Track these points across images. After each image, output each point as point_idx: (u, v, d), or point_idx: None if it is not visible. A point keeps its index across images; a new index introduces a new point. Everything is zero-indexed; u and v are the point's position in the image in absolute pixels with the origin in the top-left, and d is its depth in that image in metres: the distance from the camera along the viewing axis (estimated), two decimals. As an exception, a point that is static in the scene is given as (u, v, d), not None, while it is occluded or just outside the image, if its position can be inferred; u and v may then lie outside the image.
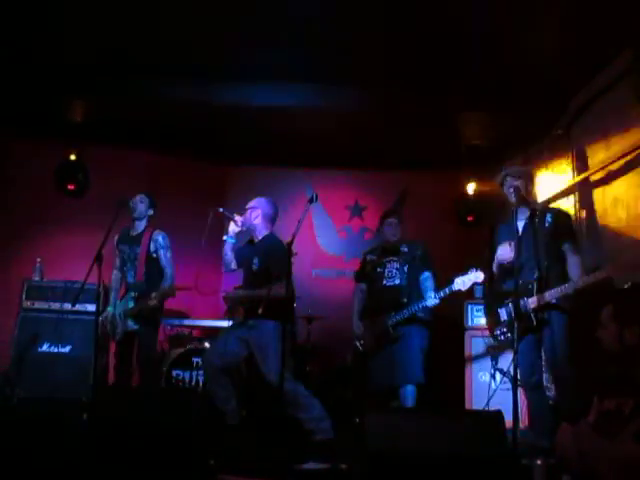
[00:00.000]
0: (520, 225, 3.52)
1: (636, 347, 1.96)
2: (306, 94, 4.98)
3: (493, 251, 3.67)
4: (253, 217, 4.13)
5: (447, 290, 4.14)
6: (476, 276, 4.02)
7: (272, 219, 4.20)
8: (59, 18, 3.98)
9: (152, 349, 4.43)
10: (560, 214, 3.62)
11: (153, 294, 4.20)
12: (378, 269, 4.53)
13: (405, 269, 4.44)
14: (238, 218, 4.14)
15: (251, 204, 4.19)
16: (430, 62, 4.37)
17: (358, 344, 4.52)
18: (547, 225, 3.47)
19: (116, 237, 4.45)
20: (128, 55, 4.46)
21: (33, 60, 4.52)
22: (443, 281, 4.27)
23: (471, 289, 4.41)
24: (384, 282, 4.47)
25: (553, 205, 4.77)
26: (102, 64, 4.58)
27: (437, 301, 4.17)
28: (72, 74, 4.66)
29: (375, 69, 4.56)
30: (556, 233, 3.45)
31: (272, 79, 4.74)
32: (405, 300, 4.31)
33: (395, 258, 4.50)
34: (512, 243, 3.37)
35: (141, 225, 4.46)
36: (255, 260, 4.04)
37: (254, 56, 4.41)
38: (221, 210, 4.15)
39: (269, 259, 3.95)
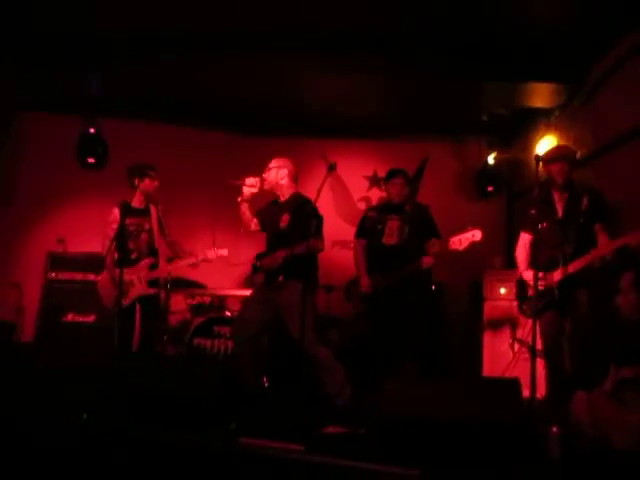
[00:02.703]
0: (558, 205, 3.59)
1: (655, 315, 1.96)
2: (322, 60, 4.92)
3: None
4: (280, 176, 4.10)
5: (441, 249, 4.02)
6: (473, 234, 3.92)
7: (296, 179, 4.17)
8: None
9: (162, 315, 4.58)
10: (596, 195, 3.58)
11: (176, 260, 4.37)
12: (378, 226, 4.41)
13: (406, 229, 4.32)
14: (251, 180, 4.10)
15: (276, 163, 4.15)
16: (450, 28, 4.28)
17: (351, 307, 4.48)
18: (583, 208, 3.49)
19: (115, 211, 4.46)
20: (144, 27, 4.45)
21: (53, 32, 4.53)
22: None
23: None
24: (383, 240, 4.37)
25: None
26: (121, 36, 4.58)
27: (431, 261, 4.10)
28: (92, 46, 4.67)
29: (394, 34, 4.48)
30: (591, 214, 3.46)
31: (288, 45, 4.68)
32: (402, 261, 4.19)
33: (397, 217, 4.39)
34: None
35: (144, 199, 4.53)
36: (284, 218, 4.01)
37: (270, 22, 4.35)
38: (230, 181, 4.14)
39: (303, 216, 3.89)
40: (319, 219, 3.75)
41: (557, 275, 3.47)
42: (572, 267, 3.40)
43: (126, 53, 4.77)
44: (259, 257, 4.73)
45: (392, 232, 4.35)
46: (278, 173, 4.11)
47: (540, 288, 3.38)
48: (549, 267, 3.49)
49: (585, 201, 3.49)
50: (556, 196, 3.62)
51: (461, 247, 3.95)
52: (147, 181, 4.47)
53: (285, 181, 4.11)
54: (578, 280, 3.42)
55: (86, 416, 2.86)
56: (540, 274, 3.41)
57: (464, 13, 4.09)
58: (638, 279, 1.99)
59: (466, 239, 3.93)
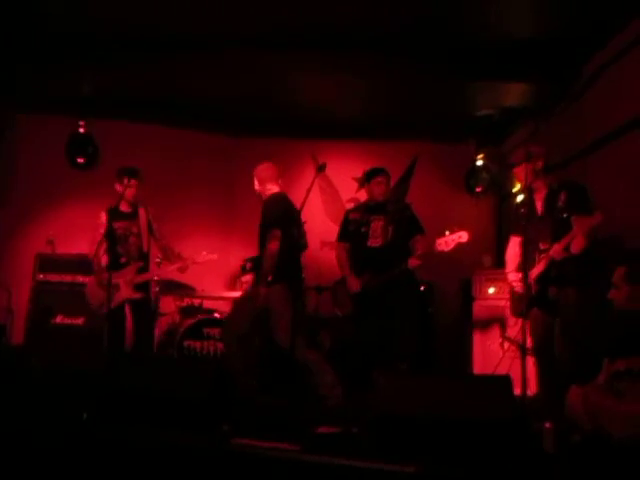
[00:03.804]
0: (538, 204, 3.64)
1: (647, 307, 1.99)
2: (312, 61, 4.93)
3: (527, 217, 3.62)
4: (256, 185, 4.20)
5: (428, 251, 4.07)
6: (460, 236, 3.95)
7: (270, 178, 4.17)
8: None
9: (152, 318, 4.60)
10: (574, 189, 3.61)
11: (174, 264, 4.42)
12: (362, 228, 4.40)
13: (390, 229, 4.33)
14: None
15: (253, 173, 4.23)
16: (437, 29, 4.30)
17: (338, 310, 4.47)
18: (561, 203, 3.52)
19: (103, 215, 4.44)
20: (131, 27, 4.43)
21: (43, 31, 4.49)
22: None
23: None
24: (368, 242, 4.36)
25: (564, 174, 4.77)
26: (112, 36, 4.55)
27: (419, 262, 4.11)
28: (82, 46, 4.64)
29: (382, 35, 4.49)
30: (569, 209, 3.49)
31: (277, 45, 4.68)
32: (388, 262, 4.19)
33: (380, 217, 4.39)
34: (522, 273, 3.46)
35: (131, 201, 4.50)
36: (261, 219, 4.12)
37: (257, 22, 4.34)
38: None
39: (264, 217, 4.00)
40: (279, 218, 3.77)
41: (534, 272, 3.53)
42: (542, 263, 3.49)
43: (115, 54, 4.75)
44: (249, 260, 4.74)
45: (376, 234, 4.36)
46: (255, 182, 4.21)
47: (521, 289, 3.46)
48: (529, 265, 3.52)
49: (563, 197, 3.53)
50: (536, 196, 3.68)
51: (447, 248, 3.99)
52: (118, 186, 4.43)
53: (258, 187, 4.18)
54: (562, 276, 3.48)
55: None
56: (521, 275, 3.49)
57: (451, 14, 4.11)
58: (629, 273, 2.02)
59: (452, 240, 3.97)
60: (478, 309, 5.23)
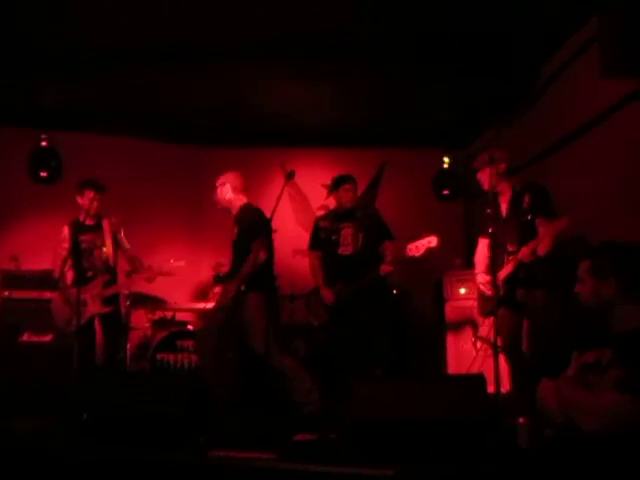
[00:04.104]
0: (503, 206, 3.74)
1: (611, 300, 2.04)
2: (278, 70, 4.94)
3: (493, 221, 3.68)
4: (224, 193, 4.15)
5: (399, 257, 4.11)
6: (429, 241, 4.01)
7: (243, 189, 4.18)
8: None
9: (123, 332, 4.53)
10: (538, 191, 3.70)
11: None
12: (333, 236, 4.42)
13: (360, 236, 4.35)
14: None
15: (219, 181, 4.19)
16: (400, 33, 4.34)
17: (313, 319, 4.47)
18: (525, 205, 3.61)
19: (65, 229, 4.38)
20: (95, 39, 4.38)
21: (2, 43, 4.41)
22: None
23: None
24: (339, 251, 4.39)
25: (526, 178, 4.87)
26: (71, 49, 4.49)
27: (390, 269, 4.15)
28: (42, 59, 4.57)
29: (347, 44, 4.53)
30: (534, 210, 3.57)
31: (247, 57, 4.69)
32: (360, 270, 4.22)
33: (349, 224, 4.42)
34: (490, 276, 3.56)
35: (94, 212, 4.42)
36: (234, 231, 4.07)
37: (223, 30, 4.33)
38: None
39: (245, 227, 3.98)
40: (259, 229, 3.76)
41: (502, 273, 3.61)
42: (510, 265, 3.57)
43: (80, 65, 4.69)
44: (218, 275, 4.70)
45: (347, 242, 4.39)
46: (222, 190, 4.15)
47: (489, 290, 3.53)
48: (497, 266, 3.60)
49: (527, 198, 3.62)
50: (501, 198, 3.78)
51: (418, 253, 4.04)
52: (79, 199, 4.36)
53: (230, 195, 4.14)
54: (530, 278, 3.56)
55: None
56: (489, 277, 3.59)
57: (414, 20, 4.17)
58: (593, 267, 2.08)
59: (422, 245, 4.02)
60: (450, 310, 5.29)
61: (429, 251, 4.03)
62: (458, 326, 5.17)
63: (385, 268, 4.15)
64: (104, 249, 4.38)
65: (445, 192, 6.59)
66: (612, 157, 3.87)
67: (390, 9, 4.04)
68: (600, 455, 1.81)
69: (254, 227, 3.88)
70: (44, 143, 5.64)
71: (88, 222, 4.40)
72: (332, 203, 6.66)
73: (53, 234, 4.64)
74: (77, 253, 4.25)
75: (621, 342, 1.96)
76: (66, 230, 4.36)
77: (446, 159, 6.35)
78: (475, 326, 4.89)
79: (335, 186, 4.58)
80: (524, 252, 3.47)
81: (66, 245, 4.27)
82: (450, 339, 5.21)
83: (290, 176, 3.89)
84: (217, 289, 5.17)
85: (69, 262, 4.26)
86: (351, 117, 5.95)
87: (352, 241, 4.37)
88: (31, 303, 4.99)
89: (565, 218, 3.28)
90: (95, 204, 4.34)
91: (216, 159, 6.35)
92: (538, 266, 3.50)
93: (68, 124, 5.63)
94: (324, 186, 6.75)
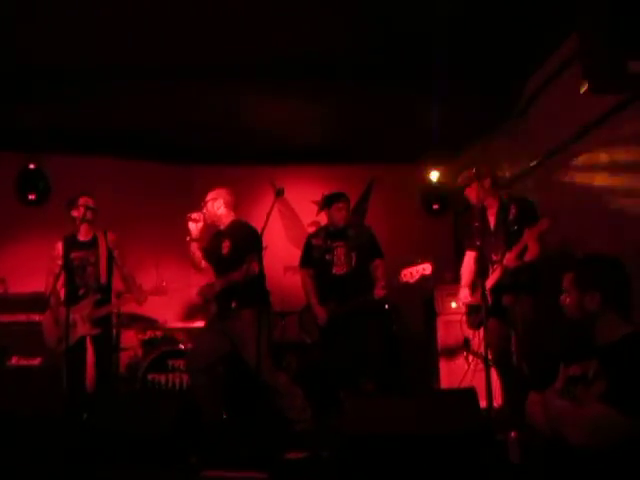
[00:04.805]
0: (490, 219, 3.79)
1: (595, 312, 2.06)
2: (267, 89, 4.98)
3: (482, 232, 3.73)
4: (216, 207, 4.13)
5: (393, 282, 4.15)
6: (424, 268, 4.04)
7: (234, 206, 4.20)
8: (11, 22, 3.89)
9: (113, 352, 4.47)
10: (524, 203, 3.77)
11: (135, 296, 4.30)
12: (327, 256, 4.41)
13: (353, 256, 4.35)
14: (195, 215, 4.11)
15: (210, 196, 4.18)
16: (383, 50, 4.37)
17: (306, 337, 4.47)
18: (511, 216, 3.67)
19: (59, 245, 4.33)
20: (82, 60, 4.39)
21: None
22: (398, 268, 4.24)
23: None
24: (333, 270, 4.38)
25: (512, 191, 4.92)
26: (62, 68, 4.48)
27: (384, 292, 4.16)
28: (26, 80, 4.56)
29: (331, 61, 4.57)
30: (520, 221, 3.61)
31: (235, 76, 4.72)
32: (353, 290, 4.24)
33: (342, 243, 4.42)
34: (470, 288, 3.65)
35: (89, 229, 4.39)
36: (225, 244, 4.04)
37: (210, 52, 4.37)
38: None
39: (240, 240, 3.95)
40: (255, 243, 3.75)
41: (489, 282, 3.63)
42: (496, 273, 3.61)
43: (62, 87, 4.68)
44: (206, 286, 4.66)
45: (341, 261, 4.39)
46: (214, 205, 4.13)
47: (476, 301, 3.55)
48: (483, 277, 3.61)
49: (513, 210, 3.68)
50: (489, 211, 3.83)
51: (412, 280, 4.08)
52: (74, 212, 4.31)
53: (222, 210, 4.14)
54: (516, 284, 3.57)
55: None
56: (469, 295, 3.66)
57: (397, 36, 4.21)
58: (577, 278, 2.10)
59: (417, 272, 4.06)
60: (442, 324, 5.28)
61: (423, 278, 4.09)
62: (450, 340, 5.17)
63: (379, 292, 4.16)
64: (96, 266, 4.30)
65: (435, 207, 6.63)
66: (595, 171, 3.91)
67: (376, 29, 4.09)
68: (587, 468, 1.81)
69: (248, 241, 3.87)
70: (32, 165, 5.63)
71: (82, 238, 4.36)
72: (323, 219, 6.71)
73: (41, 256, 4.61)
74: (69, 270, 4.16)
75: (605, 354, 1.97)
76: (59, 246, 4.32)
77: (435, 174, 6.40)
78: (467, 340, 4.89)
79: (327, 204, 4.59)
80: (509, 257, 3.50)
81: (59, 262, 4.18)
82: (442, 353, 5.20)
83: (280, 193, 3.91)
84: (210, 309, 5.15)
85: (62, 280, 4.18)
86: (338, 134, 5.99)
87: (345, 261, 4.37)
88: (19, 326, 4.95)
89: (546, 219, 3.33)
90: (89, 213, 4.28)
91: (205, 177, 6.36)
92: (524, 273, 3.55)
93: (53, 146, 5.63)
94: (314, 202, 6.80)
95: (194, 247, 4.14)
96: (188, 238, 4.12)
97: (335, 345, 4.30)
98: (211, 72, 4.65)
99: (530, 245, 3.43)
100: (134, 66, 4.52)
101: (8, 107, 4.98)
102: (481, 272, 3.47)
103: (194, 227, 4.11)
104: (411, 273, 4.05)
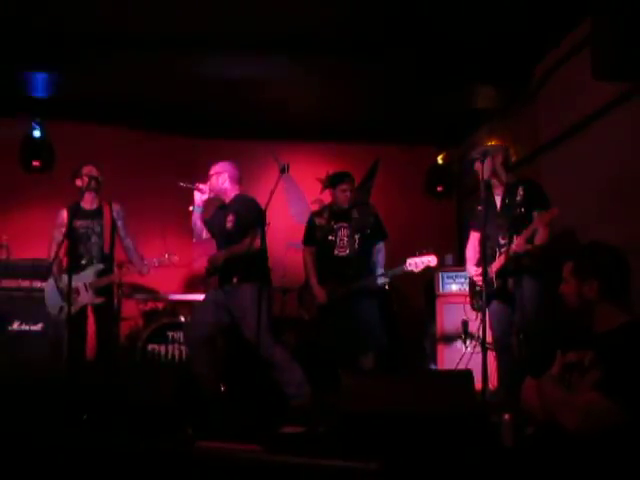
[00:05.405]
0: (497, 199, 3.76)
1: (593, 301, 2.06)
2: (275, 64, 4.93)
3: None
4: (221, 181, 4.14)
5: (398, 271, 4.16)
6: (429, 260, 4.05)
7: (239, 180, 4.21)
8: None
9: (114, 322, 4.50)
10: (531, 185, 3.74)
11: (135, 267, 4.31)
12: (329, 237, 4.41)
13: (356, 238, 4.35)
14: (202, 186, 4.13)
15: (215, 169, 4.19)
16: (393, 30, 4.34)
17: (304, 313, 4.49)
18: (519, 198, 3.64)
19: (64, 213, 4.34)
20: (92, 26, 4.34)
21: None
22: (402, 254, 4.23)
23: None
24: (335, 252, 4.38)
25: (520, 173, 4.89)
26: (67, 35, 4.42)
27: (386, 280, 4.18)
28: (36, 45, 4.49)
29: (342, 38, 4.52)
30: (528, 203, 3.58)
31: (240, 49, 4.67)
32: (354, 273, 4.25)
33: (345, 224, 4.41)
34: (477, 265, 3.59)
35: (94, 198, 4.39)
36: (229, 218, 4.05)
37: (221, 26, 4.32)
38: (181, 184, 4.16)
39: (244, 215, 3.97)
40: (259, 218, 3.76)
41: (495, 266, 3.63)
42: (502, 257, 3.59)
43: (73, 52, 4.64)
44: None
45: (343, 243, 4.38)
46: (219, 179, 4.14)
47: (481, 282, 3.54)
48: (489, 260, 3.61)
49: (521, 191, 3.65)
50: (495, 192, 3.80)
51: (417, 269, 4.09)
52: (78, 181, 4.31)
53: (227, 184, 4.14)
54: (520, 268, 3.57)
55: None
56: (480, 269, 3.58)
57: (410, 18, 4.16)
58: (576, 267, 2.10)
59: (422, 263, 4.07)
60: (441, 306, 5.31)
61: (427, 269, 4.11)
62: (449, 322, 5.20)
63: (382, 279, 4.16)
64: (101, 236, 4.32)
65: (439, 189, 6.60)
66: (602, 158, 3.89)
67: (385, 8, 4.03)
68: (579, 454, 1.84)
69: (252, 216, 3.89)
70: (37, 132, 5.61)
71: (87, 207, 4.36)
72: (326, 197, 6.72)
73: (44, 223, 4.62)
74: (73, 238, 4.15)
75: (601, 343, 1.98)
76: (64, 214, 4.32)
77: (441, 156, 6.36)
78: (466, 323, 4.91)
79: (332, 183, 4.58)
80: (518, 242, 3.49)
81: (63, 229, 4.19)
82: (441, 335, 5.23)
83: (284, 170, 3.89)
84: (211, 281, 5.18)
85: (65, 247, 4.16)
86: (345, 112, 5.94)
87: (348, 242, 4.36)
88: (22, 292, 4.98)
89: (556, 208, 3.32)
90: (93, 182, 4.26)
91: (210, 151, 6.32)
92: (529, 257, 3.53)
93: (59, 114, 5.59)
94: (318, 180, 6.77)
95: (195, 216, 4.16)
96: (191, 208, 4.14)
97: (333, 323, 4.32)
98: (221, 45, 4.60)
99: (540, 230, 3.42)
100: (145, 35, 4.47)
101: (14, 73, 4.93)
102: (484, 255, 3.47)
103: (199, 197, 4.13)
104: (416, 263, 4.07)
